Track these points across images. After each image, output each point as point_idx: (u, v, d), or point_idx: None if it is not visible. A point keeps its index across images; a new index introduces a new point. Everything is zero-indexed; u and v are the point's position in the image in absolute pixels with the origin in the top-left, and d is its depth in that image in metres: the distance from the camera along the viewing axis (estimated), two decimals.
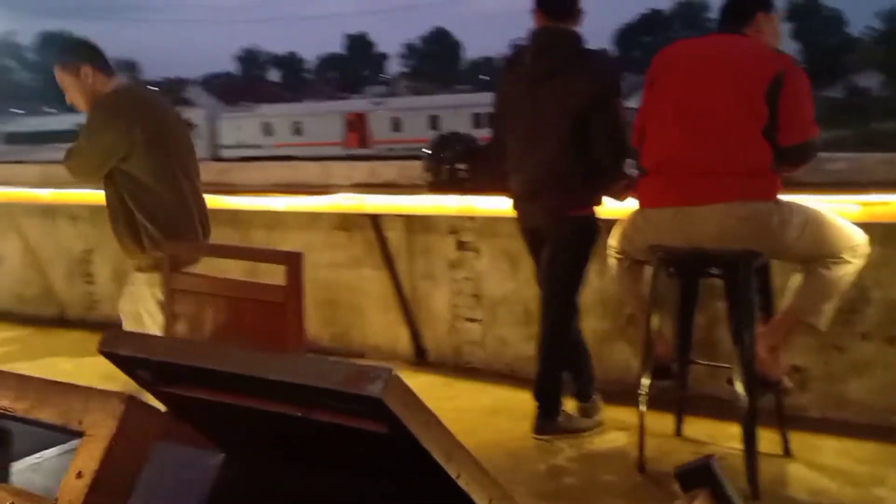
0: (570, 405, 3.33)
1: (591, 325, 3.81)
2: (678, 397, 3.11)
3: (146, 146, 2.75)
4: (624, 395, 3.49)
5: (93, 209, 5.37)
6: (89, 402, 0.54)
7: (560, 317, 3.22)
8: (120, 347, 0.95)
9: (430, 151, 3.94)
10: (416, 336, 4.32)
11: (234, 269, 3.42)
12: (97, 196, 5.07)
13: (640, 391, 2.84)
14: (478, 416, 3.58)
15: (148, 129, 2.77)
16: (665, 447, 3.06)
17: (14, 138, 39.26)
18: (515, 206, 3.22)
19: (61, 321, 5.65)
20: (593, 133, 2.94)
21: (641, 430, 2.87)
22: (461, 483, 0.85)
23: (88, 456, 0.52)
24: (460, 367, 4.22)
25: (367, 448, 0.90)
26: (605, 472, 2.98)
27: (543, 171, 3.04)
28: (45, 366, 4.64)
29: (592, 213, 3.11)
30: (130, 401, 0.53)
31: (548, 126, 2.98)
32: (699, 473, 0.64)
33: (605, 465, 3.05)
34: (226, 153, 34.02)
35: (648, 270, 2.98)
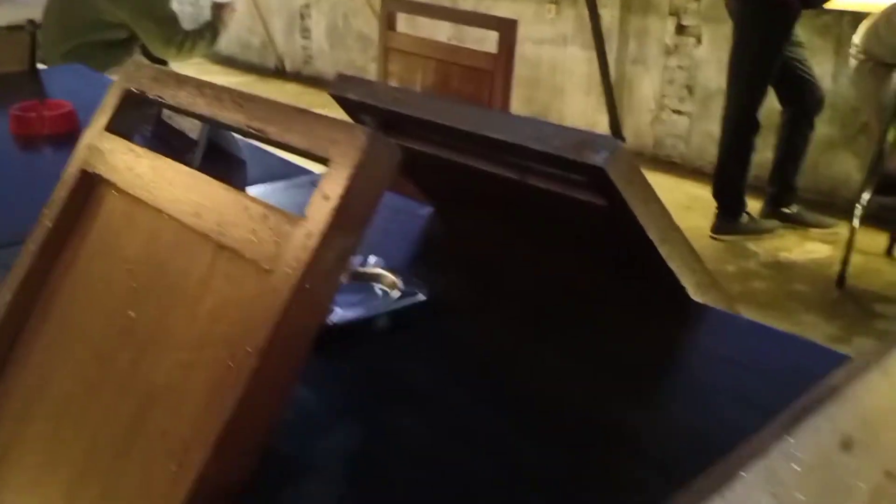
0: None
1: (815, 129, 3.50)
2: None
3: None
4: (835, 209, 3.27)
5: None
6: (334, 133, 0.57)
7: (737, 106, 3.02)
8: (349, 92, 0.98)
9: None
10: (616, 123, 4.18)
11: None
12: None
13: (858, 204, 2.64)
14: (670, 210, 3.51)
15: None
16: (871, 265, 2.87)
17: None
18: None
19: (280, 72, 6.00)
20: None
21: (849, 245, 2.70)
22: (672, 265, 0.84)
23: (334, 182, 0.55)
24: (659, 160, 4.08)
25: (581, 220, 0.90)
26: (798, 282, 2.87)
27: None
28: None
29: None
30: (373, 135, 0.55)
31: None
32: None
33: (801, 275, 2.93)
34: None
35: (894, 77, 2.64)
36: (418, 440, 0.66)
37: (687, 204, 3.56)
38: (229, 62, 6.32)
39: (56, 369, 0.72)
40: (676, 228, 0.84)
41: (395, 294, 0.87)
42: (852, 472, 0.47)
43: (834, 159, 3.47)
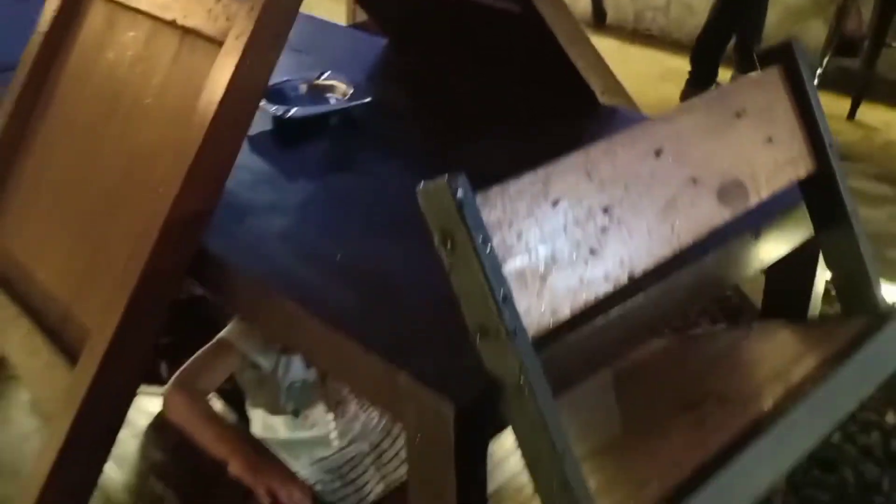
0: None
1: None
2: (861, 78, 2.93)
3: None
4: None
5: None
6: None
7: None
8: None
9: None
10: None
11: None
12: None
13: (819, 67, 2.73)
14: (644, 81, 3.58)
15: None
16: (832, 128, 2.99)
17: None
18: None
19: None
20: None
21: None
22: (579, 67, 0.97)
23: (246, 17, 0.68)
24: (638, 34, 4.13)
25: (504, 34, 1.03)
26: None
27: None
28: None
29: None
30: None
31: None
32: (779, 52, 0.70)
33: None
34: None
35: None
36: (357, 194, 0.82)
37: (663, 75, 3.64)
38: None
39: (57, 147, 0.87)
40: (584, 36, 0.97)
41: (346, 98, 1.02)
42: (659, 175, 0.62)
43: (805, 28, 3.52)
